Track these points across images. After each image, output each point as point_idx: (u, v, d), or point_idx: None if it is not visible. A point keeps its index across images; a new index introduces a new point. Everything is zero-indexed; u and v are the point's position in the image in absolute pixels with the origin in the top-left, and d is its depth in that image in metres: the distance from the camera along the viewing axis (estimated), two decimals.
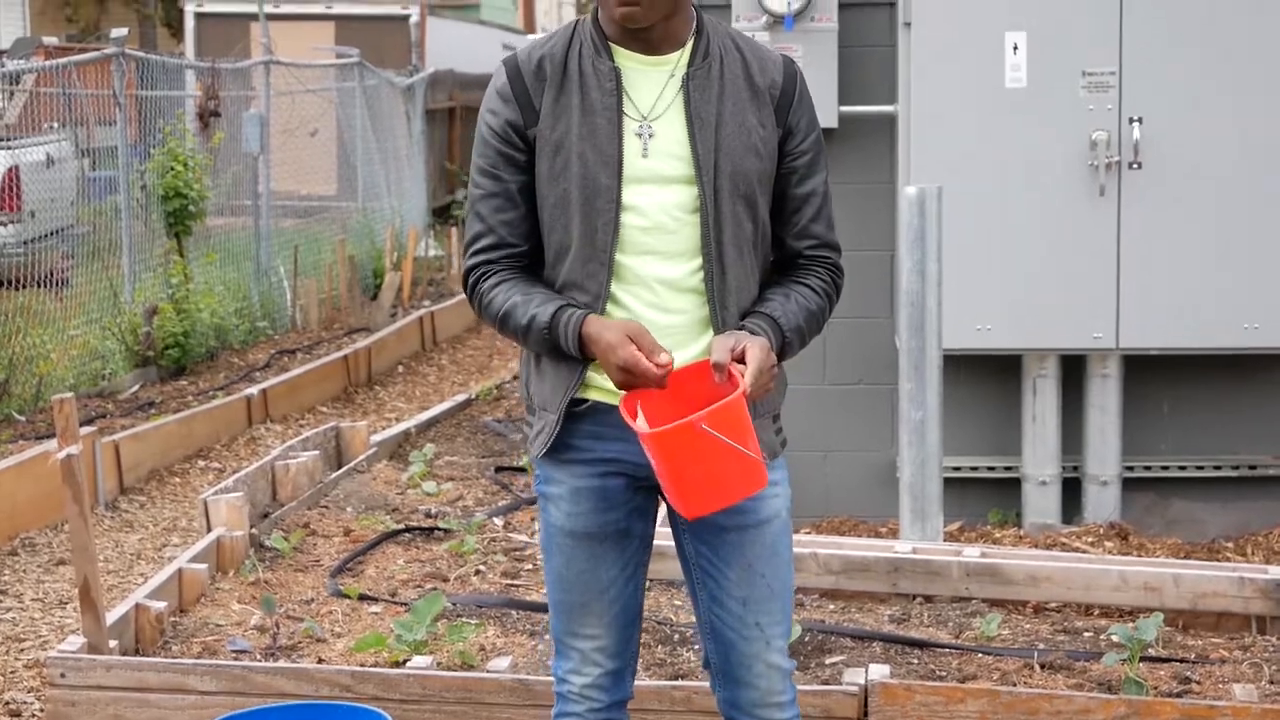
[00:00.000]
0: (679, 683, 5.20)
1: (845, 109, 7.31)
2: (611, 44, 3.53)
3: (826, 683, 5.31)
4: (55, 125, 13.13)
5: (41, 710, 5.50)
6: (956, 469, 7.30)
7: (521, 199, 3.57)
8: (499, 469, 8.84)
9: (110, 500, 8.28)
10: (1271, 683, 5.40)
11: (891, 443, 7.31)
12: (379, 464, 8.73)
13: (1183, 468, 7.42)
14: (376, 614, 6.35)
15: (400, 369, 12.38)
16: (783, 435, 3.71)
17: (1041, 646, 5.71)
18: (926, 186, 6.34)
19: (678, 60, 3.54)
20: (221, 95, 14.17)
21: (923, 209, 6.32)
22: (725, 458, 3.25)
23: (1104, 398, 7.19)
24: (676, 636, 5.88)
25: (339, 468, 8.45)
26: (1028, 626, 6.02)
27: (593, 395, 3.58)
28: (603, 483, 3.62)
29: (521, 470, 8.76)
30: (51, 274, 11.53)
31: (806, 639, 5.76)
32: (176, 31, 36.82)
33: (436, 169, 22.04)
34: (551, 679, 3.82)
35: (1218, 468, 7.41)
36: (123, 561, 7.45)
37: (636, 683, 3.86)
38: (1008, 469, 7.40)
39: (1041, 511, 7.31)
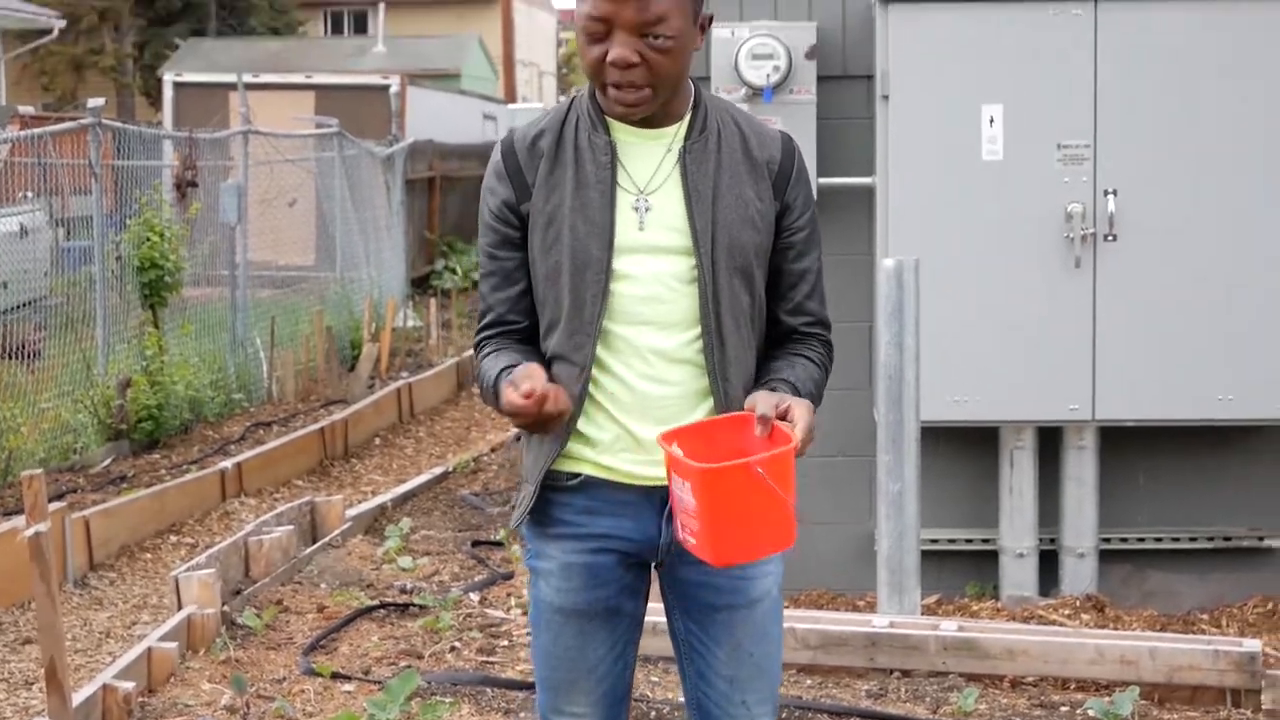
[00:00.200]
0: None
1: (824, 181, 7.30)
2: (608, 118, 3.51)
3: None
4: (30, 195, 13.10)
5: None
6: (934, 541, 7.28)
7: (519, 276, 3.56)
8: (475, 543, 8.78)
9: (79, 577, 8.19)
10: None
11: (870, 515, 7.28)
12: (354, 538, 8.67)
13: (1159, 540, 7.40)
14: (350, 693, 6.29)
15: (377, 441, 12.32)
16: None
17: None
18: (904, 259, 6.33)
19: (675, 133, 3.51)
20: (199, 165, 14.16)
21: (900, 281, 6.30)
22: (769, 507, 3.20)
23: (1081, 470, 7.18)
24: (654, 714, 5.83)
25: (314, 543, 8.39)
26: (1005, 701, 5.98)
27: (585, 469, 3.54)
28: (593, 559, 3.57)
29: (499, 545, 8.71)
30: (24, 346, 11.46)
31: (784, 716, 5.71)
32: (155, 100, 36.92)
33: (416, 239, 22.05)
34: None
35: (1194, 539, 7.40)
36: (91, 640, 7.36)
37: None
38: (985, 541, 7.38)
39: (1019, 584, 7.28)
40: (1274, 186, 6.87)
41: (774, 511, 3.21)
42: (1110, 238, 6.87)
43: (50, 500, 7.77)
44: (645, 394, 3.47)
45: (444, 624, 7.05)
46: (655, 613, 3.66)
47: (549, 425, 3.32)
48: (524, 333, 3.59)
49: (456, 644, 6.89)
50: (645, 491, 3.51)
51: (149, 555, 8.82)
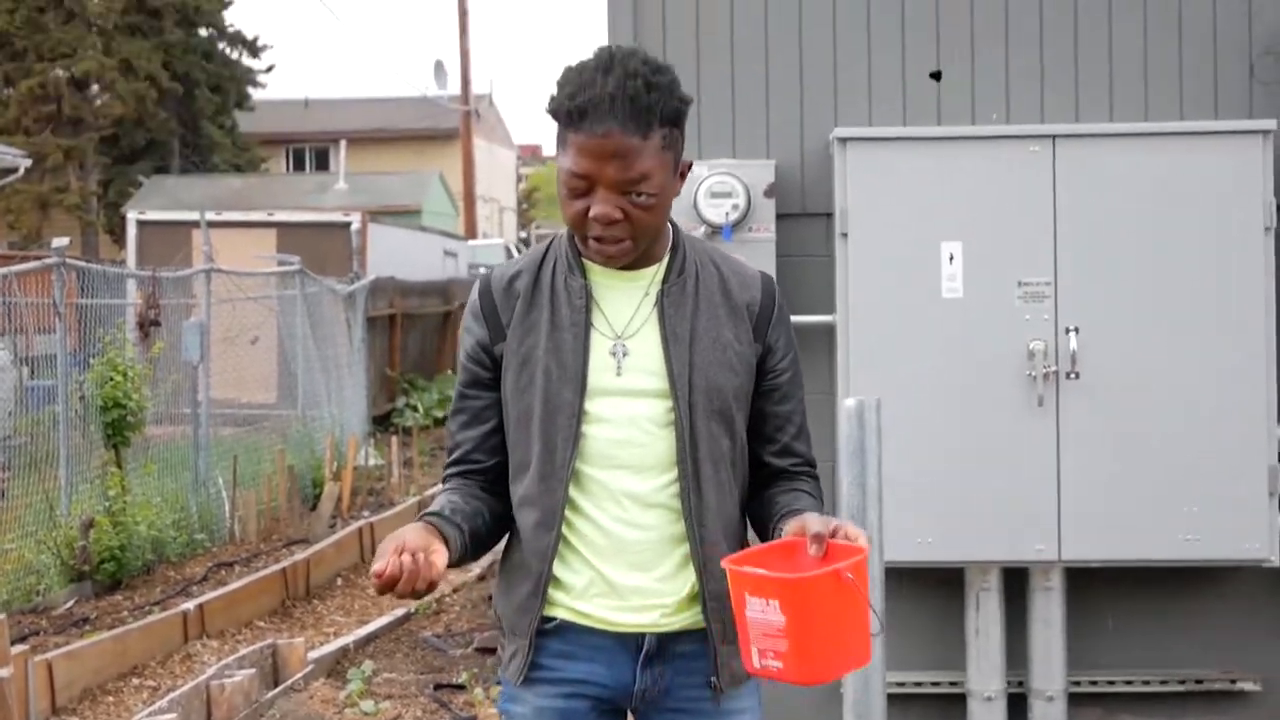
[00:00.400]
0: None
1: None
2: (585, 260, 3.50)
3: None
4: None
5: None
6: (900, 684, 7.23)
7: (488, 416, 3.56)
8: (438, 686, 8.72)
9: None
10: None
11: None
12: (316, 682, 8.60)
13: (1129, 682, 7.33)
14: None
15: (339, 581, 12.25)
16: None
17: None
18: (865, 399, 6.31)
19: (653, 276, 3.51)
20: (162, 304, 14.17)
21: (862, 421, 6.29)
22: (855, 616, 3.16)
23: (1048, 611, 7.14)
24: None
25: (275, 685, 8.33)
26: None
27: (560, 614, 3.52)
28: (567, 704, 3.54)
29: (461, 688, 8.64)
30: None
31: None
32: (119, 237, 36.97)
33: (377, 376, 22.05)
34: None
35: (1164, 682, 7.32)
36: None
37: None
38: (952, 684, 7.32)
39: None
40: (1234, 323, 6.89)
41: (859, 622, 3.17)
42: (1073, 375, 6.88)
43: (13, 643, 7.71)
44: (619, 538, 3.45)
45: None
46: None
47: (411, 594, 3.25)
48: (489, 472, 3.57)
49: None
50: (620, 638, 3.49)
51: (111, 699, 8.75)
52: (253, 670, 8.05)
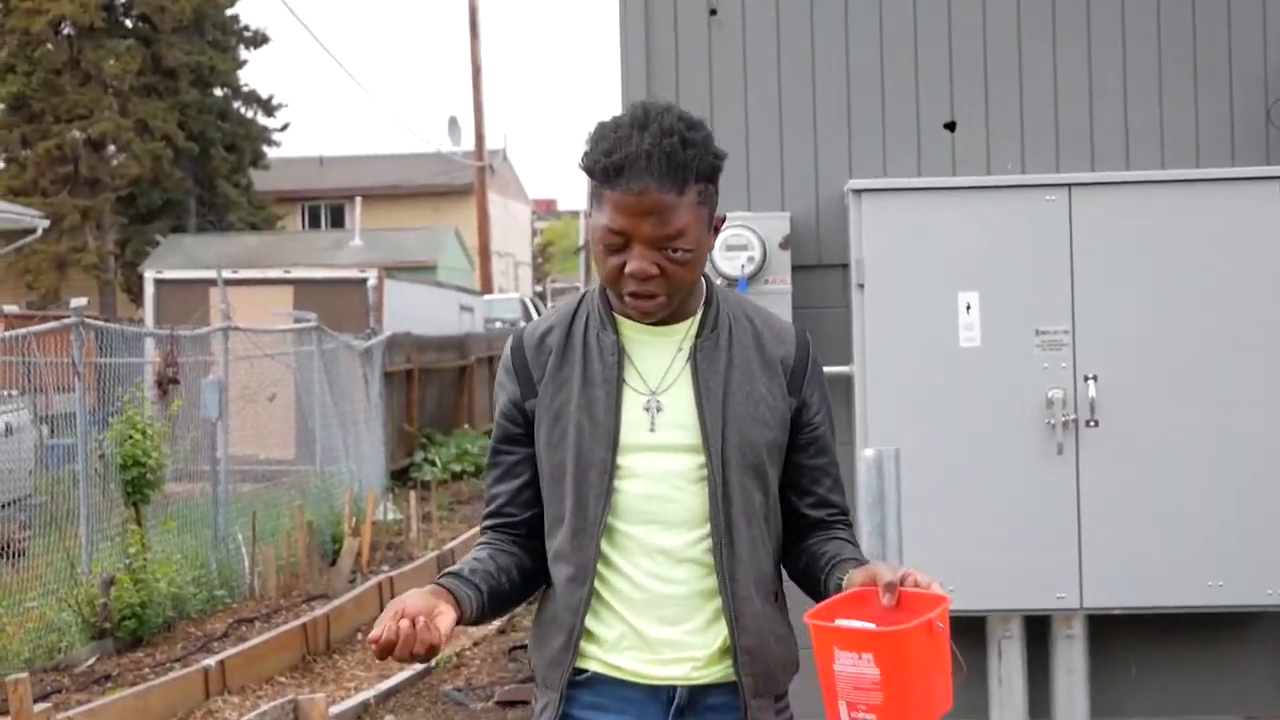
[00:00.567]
0: None
1: None
2: (617, 315, 3.51)
3: None
4: (14, 393, 13.13)
5: None
6: None
7: (520, 470, 3.57)
8: None
9: None
10: None
11: None
12: None
13: None
14: None
15: (360, 636, 12.23)
16: (789, 715, 3.63)
17: None
18: (884, 449, 6.33)
19: (686, 331, 3.51)
20: (180, 362, 14.20)
21: (881, 471, 6.30)
22: (943, 666, 3.17)
23: (1070, 658, 7.14)
24: None
25: None
26: None
27: (592, 666, 3.52)
28: None
29: None
30: (9, 544, 11.45)
31: None
32: (136, 296, 37.09)
33: (395, 431, 22.06)
34: None
35: None
36: None
37: None
38: None
39: None
40: (1254, 369, 6.90)
41: (945, 668, 3.17)
42: (1092, 423, 6.90)
43: (35, 701, 7.71)
44: (652, 592, 3.45)
45: None
46: None
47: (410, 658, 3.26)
48: (524, 526, 3.59)
49: None
50: (651, 690, 3.48)
51: None
52: None
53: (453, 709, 9.60)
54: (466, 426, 25.76)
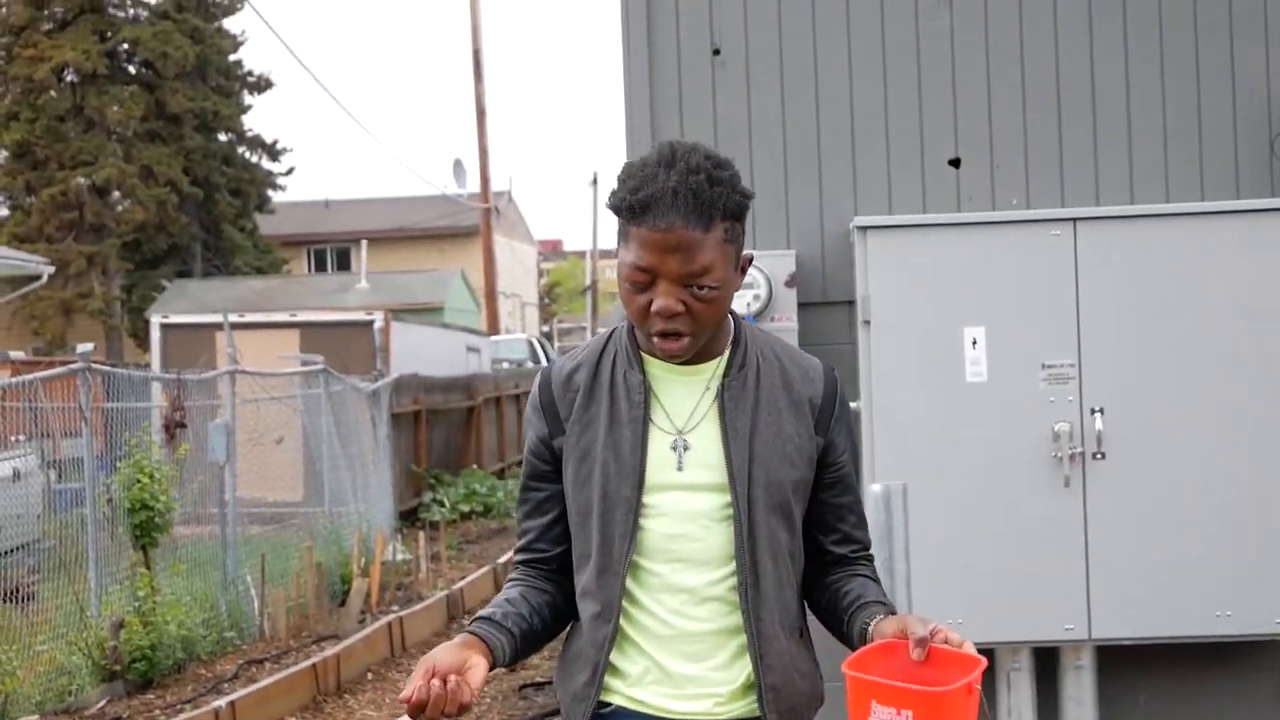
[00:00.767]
0: None
1: None
2: (645, 354, 3.53)
3: None
4: (22, 439, 13.15)
5: None
6: None
7: (549, 507, 3.61)
8: None
9: None
10: None
11: None
12: None
13: None
14: None
15: (370, 676, 12.25)
16: None
17: None
18: (891, 484, 6.36)
19: (714, 370, 3.53)
20: (187, 406, 14.22)
21: (889, 506, 6.34)
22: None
23: (1079, 690, 7.15)
24: None
25: None
26: None
27: (616, 700, 3.56)
28: None
29: None
30: (18, 589, 11.46)
31: None
32: (143, 341, 37.19)
33: (403, 472, 22.07)
34: None
35: None
36: None
37: None
38: None
39: None
40: (1260, 400, 6.92)
41: None
42: (1099, 456, 6.91)
43: None
44: (677, 628, 3.48)
45: None
46: None
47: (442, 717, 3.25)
48: (554, 561, 3.63)
49: None
50: None
51: None
52: None
53: None
54: (474, 467, 25.78)
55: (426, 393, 24.20)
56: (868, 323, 7.08)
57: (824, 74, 7.54)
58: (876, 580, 3.63)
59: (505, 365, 36.92)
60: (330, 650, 12.05)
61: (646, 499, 3.47)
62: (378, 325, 25.34)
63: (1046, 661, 7.20)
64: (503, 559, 17.39)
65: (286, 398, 17.42)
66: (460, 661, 3.29)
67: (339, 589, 15.23)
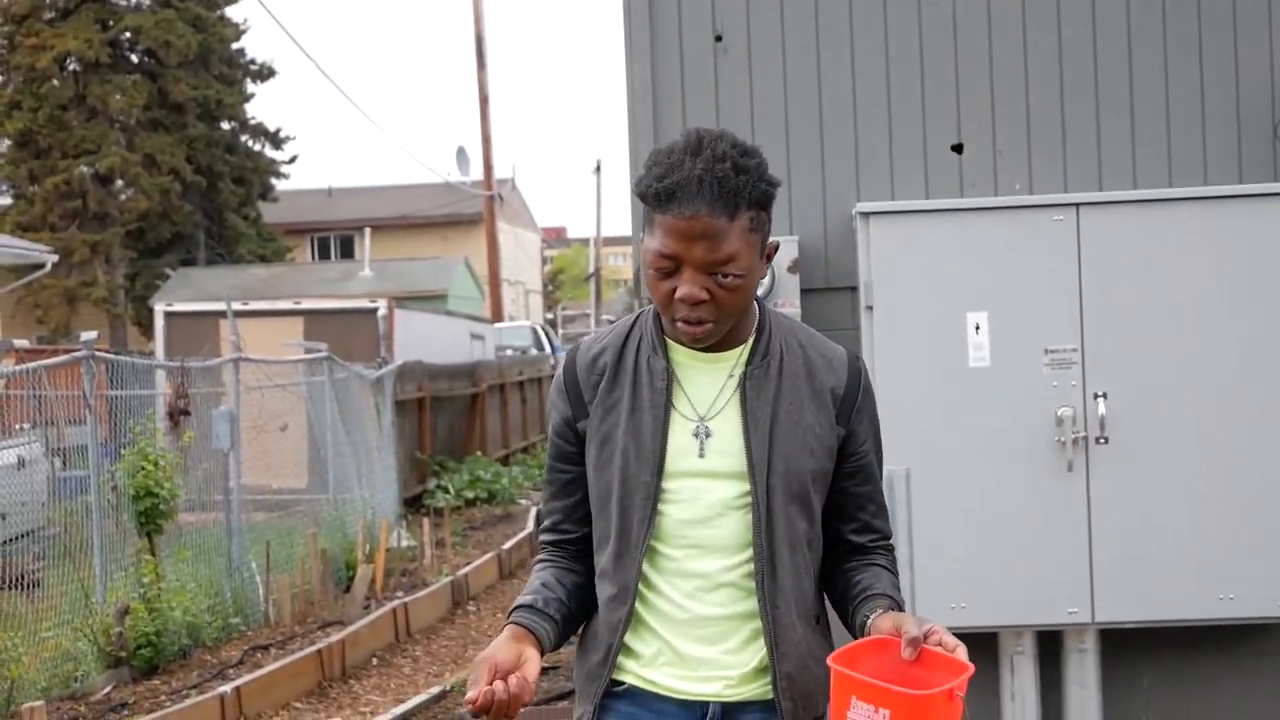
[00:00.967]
0: None
1: None
2: (669, 339, 3.54)
3: None
4: (26, 426, 13.17)
5: None
6: None
7: (574, 489, 3.63)
8: None
9: None
10: None
11: None
12: None
13: None
14: None
15: (375, 661, 12.28)
16: None
17: None
18: (894, 468, 6.37)
19: (737, 358, 3.53)
20: (191, 393, 14.23)
21: (891, 490, 6.34)
22: None
23: (1083, 673, 7.17)
24: None
25: None
26: None
27: (628, 679, 3.58)
28: None
29: None
30: (23, 576, 11.49)
31: None
32: (147, 329, 37.19)
33: (407, 459, 22.09)
34: None
35: None
36: None
37: None
38: None
39: None
40: (1262, 383, 6.93)
41: None
42: (1102, 440, 6.93)
43: None
44: (691, 612, 3.50)
45: None
46: None
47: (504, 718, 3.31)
48: (580, 542, 3.66)
49: None
50: (685, 705, 3.53)
51: None
52: None
53: None
54: (479, 453, 25.80)
55: (431, 380, 24.21)
56: (870, 308, 7.09)
57: (826, 61, 7.55)
58: (892, 571, 3.62)
59: (509, 352, 36.91)
60: (335, 636, 12.07)
61: (666, 485, 3.49)
62: (381, 313, 25.36)
63: (1050, 645, 7.22)
64: (507, 545, 17.41)
65: (290, 385, 17.44)
66: (517, 657, 3.35)
67: (344, 575, 15.26)
